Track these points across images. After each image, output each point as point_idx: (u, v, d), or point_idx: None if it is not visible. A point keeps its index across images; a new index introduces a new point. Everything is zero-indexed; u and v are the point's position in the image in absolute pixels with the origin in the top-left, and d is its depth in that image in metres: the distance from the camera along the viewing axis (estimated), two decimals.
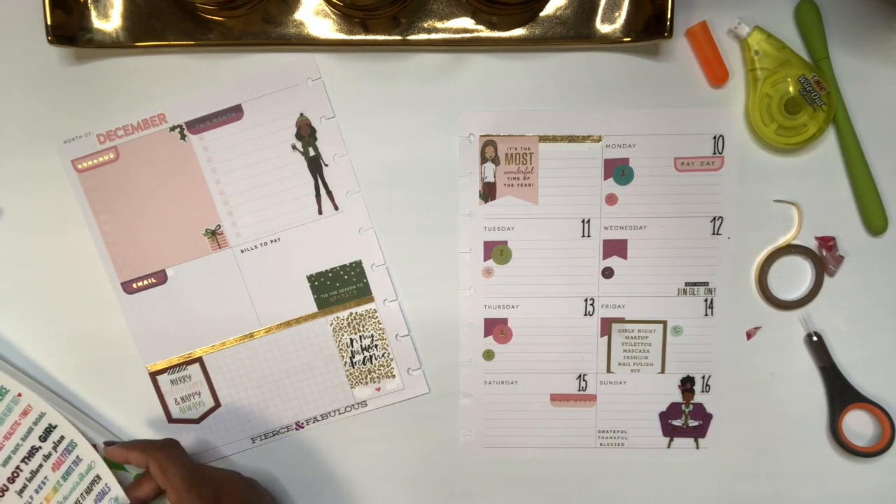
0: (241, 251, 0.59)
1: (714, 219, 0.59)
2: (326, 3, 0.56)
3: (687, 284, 0.60)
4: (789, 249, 0.59)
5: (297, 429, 0.61)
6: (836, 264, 0.59)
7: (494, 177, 0.59)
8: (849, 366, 0.60)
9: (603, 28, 0.56)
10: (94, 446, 0.55)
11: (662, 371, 0.60)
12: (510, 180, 0.59)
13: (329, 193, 0.59)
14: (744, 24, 0.56)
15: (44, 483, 0.54)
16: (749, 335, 0.60)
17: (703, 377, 0.60)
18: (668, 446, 0.61)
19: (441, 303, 0.60)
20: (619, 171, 0.59)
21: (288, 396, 0.61)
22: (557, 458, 0.61)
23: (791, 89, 0.55)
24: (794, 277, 0.60)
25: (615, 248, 0.59)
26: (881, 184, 0.58)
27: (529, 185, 0.59)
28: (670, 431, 0.61)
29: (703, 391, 0.61)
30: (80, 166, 0.58)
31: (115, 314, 0.59)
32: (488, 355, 0.61)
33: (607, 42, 0.56)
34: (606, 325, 0.60)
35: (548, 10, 0.56)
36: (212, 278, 0.59)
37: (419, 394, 0.61)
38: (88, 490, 0.55)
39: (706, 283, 0.59)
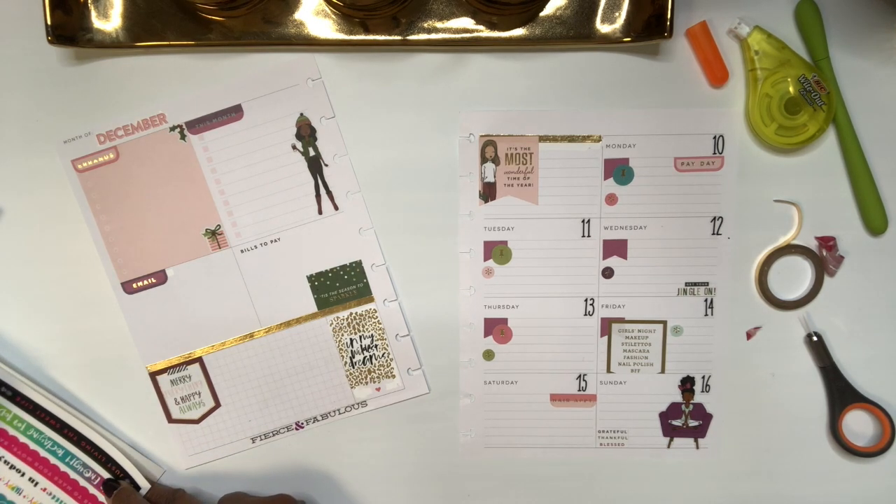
0: (241, 251, 0.59)
1: (714, 219, 0.59)
2: (326, 3, 0.56)
3: (687, 284, 0.60)
4: (789, 249, 0.59)
5: (297, 429, 0.61)
6: (836, 264, 0.59)
7: (494, 177, 0.59)
8: (849, 366, 0.60)
9: (603, 28, 0.56)
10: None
11: (662, 371, 0.60)
12: (510, 180, 0.59)
13: (329, 193, 0.59)
14: (744, 24, 0.56)
15: None
16: (749, 335, 0.60)
17: (703, 377, 0.60)
18: (668, 446, 0.61)
19: (441, 303, 0.60)
20: (619, 171, 0.59)
21: (288, 396, 0.61)
22: (557, 458, 0.61)
23: (791, 89, 0.55)
24: (794, 277, 0.60)
25: (615, 248, 0.59)
26: (881, 184, 0.58)
27: (529, 185, 0.59)
28: (670, 431, 0.61)
29: (703, 391, 0.61)
30: (80, 166, 0.58)
31: (115, 314, 0.59)
32: (488, 355, 0.61)
33: (607, 42, 0.56)
34: (606, 325, 0.60)
35: (548, 10, 0.56)
36: (212, 278, 0.59)
37: (419, 394, 0.61)
38: None
39: (706, 283, 0.59)
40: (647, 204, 0.59)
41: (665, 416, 0.61)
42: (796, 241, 0.59)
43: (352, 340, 0.60)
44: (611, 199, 0.59)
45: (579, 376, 0.61)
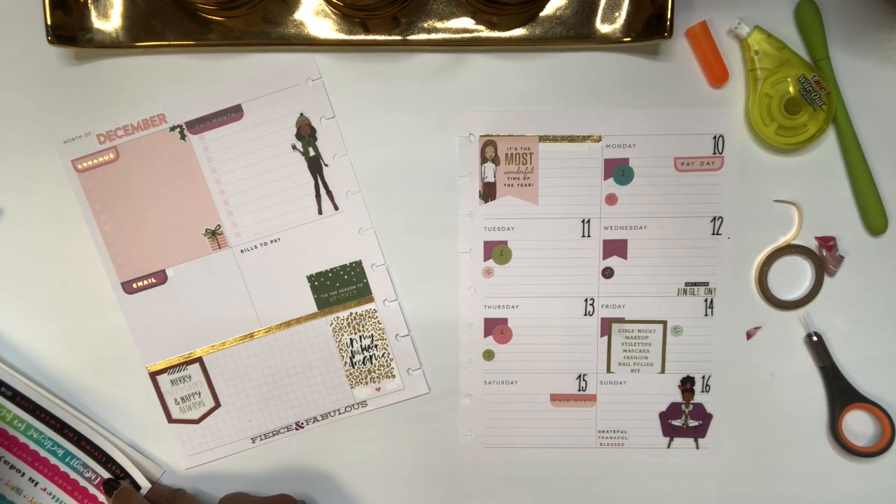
0: (241, 251, 0.59)
1: (714, 219, 0.59)
2: (326, 3, 0.56)
3: (687, 284, 0.60)
4: (789, 249, 0.59)
5: (297, 429, 0.61)
6: (836, 264, 0.59)
7: (494, 177, 0.59)
8: (849, 366, 0.60)
9: (603, 28, 0.56)
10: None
11: (662, 371, 0.60)
12: (510, 180, 0.59)
13: (329, 193, 0.59)
14: (744, 24, 0.56)
15: None
16: (749, 335, 0.60)
17: (703, 377, 0.60)
18: (668, 446, 0.61)
19: (441, 303, 0.60)
20: (619, 171, 0.59)
21: (288, 396, 0.61)
22: (557, 458, 0.61)
23: (791, 89, 0.55)
24: (794, 277, 0.60)
25: (615, 248, 0.59)
26: (881, 184, 0.58)
27: (529, 185, 0.59)
28: (670, 431, 0.61)
29: (703, 391, 0.61)
30: (80, 166, 0.58)
31: (115, 314, 0.59)
32: (488, 355, 0.61)
33: (607, 42, 0.56)
34: (606, 325, 0.60)
35: (548, 10, 0.56)
36: (212, 278, 0.59)
37: (419, 394, 0.61)
38: None
39: (706, 283, 0.59)
40: (647, 204, 0.59)
41: (665, 416, 0.61)
42: (796, 241, 0.59)
43: (352, 340, 0.60)
44: (611, 199, 0.59)
45: (579, 376, 0.61)
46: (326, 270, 0.60)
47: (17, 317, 0.60)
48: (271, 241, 0.59)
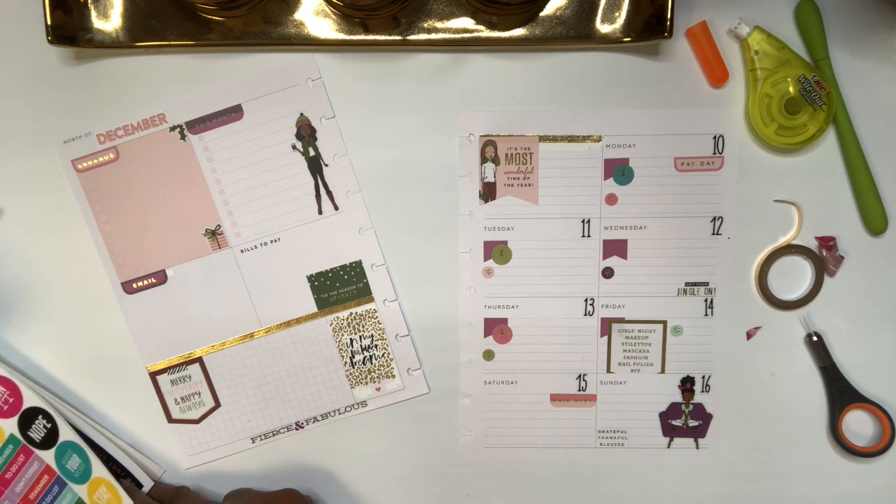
0: (241, 251, 0.59)
1: (714, 219, 0.59)
2: (326, 3, 0.56)
3: (687, 284, 0.60)
4: (789, 249, 0.59)
5: (297, 429, 0.61)
6: (836, 264, 0.59)
7: (494, 177, 0.59)
8: (849, 366, 0.60)
9: (603, 28, 0.56)
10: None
11: (662, 371, 0.60)
12: (510, 180, 0.59)
13: (329, 193, 0.59)
14: (744, 24, 0.56)
15: None
16: (749, 335, 0.60)
17: (703, 377, 0.60)
18: (668, 446, 0.61)
19: (441, 303, 0.60)
20: (619, 171, 0.59)
21: (288, 396, 0.61)
22: (557, 458, 0.61)
23: (791, 89, 0.55)
24: (794, 277, 0.60)
25: (615, 248, 0.59)
26: (881, 184, 0.58)
27: (529, 185, 0.59)
28: (670, 431, 0.61)
29: (703, 391, 0.61)
30: (80, 166, 0.58)
31: (115, 314, 0.59)
32: (488, 355, 0.61)
33: (607, 42, 0.56)
34: (606, 325, 0.60)
35: (548, 10, 0.56)
36: (212, 278, 0.59)
37: (419, 394, 0.61)
38: None
39: (706, 283, 0.59)
40: (647, 204, 0.59)
41: (665, 416, 0.61)
42: (796, 241, 0.59)
43: (352, 340, 0.60)
44: (611, 199, 0.59)
45: (579, 376, 0.61)
46: (326, 270, 0.60)
47: (17, 317, 0.60)
48: (271, 241, 0.59)
